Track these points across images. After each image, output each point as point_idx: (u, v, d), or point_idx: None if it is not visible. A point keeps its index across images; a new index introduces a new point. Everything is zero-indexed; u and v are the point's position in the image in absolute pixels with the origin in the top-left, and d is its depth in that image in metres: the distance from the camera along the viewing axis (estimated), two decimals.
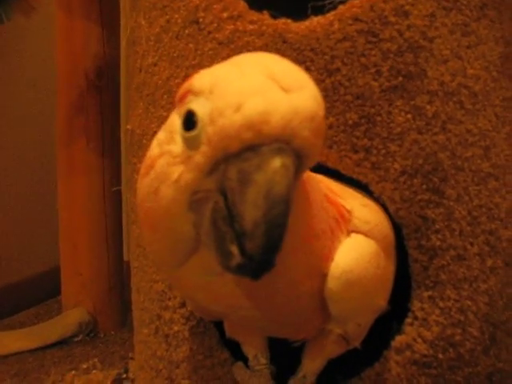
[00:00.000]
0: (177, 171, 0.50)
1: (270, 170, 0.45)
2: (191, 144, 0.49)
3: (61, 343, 1.29)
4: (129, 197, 0.92)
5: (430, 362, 0.74)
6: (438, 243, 0.72)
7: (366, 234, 0.63)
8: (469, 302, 0.75)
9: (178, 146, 0.50)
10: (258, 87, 0.46)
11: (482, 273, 0.76)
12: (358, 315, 0.66)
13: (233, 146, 0.46)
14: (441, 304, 0.74)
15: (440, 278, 0.73)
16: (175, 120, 0.52)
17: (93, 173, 1.28)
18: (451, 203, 0.72)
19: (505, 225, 0.79)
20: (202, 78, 0.50)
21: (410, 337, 0.73)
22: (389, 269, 0.69)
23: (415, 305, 0.73)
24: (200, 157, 0.48)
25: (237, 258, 0.47)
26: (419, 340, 0.74)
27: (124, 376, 1.08)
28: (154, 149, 0.53)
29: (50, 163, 1.46)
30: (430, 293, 0.73)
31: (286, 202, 0.46)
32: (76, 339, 1.30)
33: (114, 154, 1.32)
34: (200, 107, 0.48)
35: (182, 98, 0.52)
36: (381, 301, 0.68)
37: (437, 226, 0.72)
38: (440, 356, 0.75)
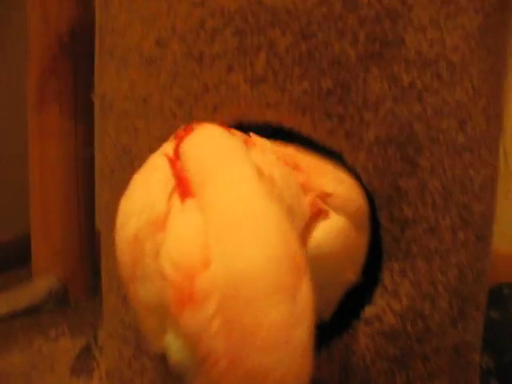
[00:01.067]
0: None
1: None
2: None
3: (30, 310, 1.27)
4: (100, 161, 0.90)
5: (398, 334, 0.74)
6: (411, 215, 0.71)
7: (335, 210, 0.62)
8: (439, 275, 0.75)
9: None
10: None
11: (454, 246, 0.76)
12: (326, 290, 0.65)
13: None
14: (411, 276, 0.73)
15: (411, 250, 0.73)
16: None
17: (65, 138, 1.25)
18: (425, 175, 0.72)
19: (478, 199, 0.79)
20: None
21: (379, 308, 0.73)
22: (360, 242, 0.68)
23: (385, 276, 0.73)
24: None
25: None
26: (388, 311, 0.73)
27: (93, 344, 1.07)
28: None
29: (20, 127, 1.43)
30: (400, 264, 0.73)
31: None
32: (45, 307, 1.29)
33: (87, 118, 1.29)
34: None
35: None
36: (350, 275, 0.67)
37: (410, 198, 0.71)
38: (409, 328, 0.75)
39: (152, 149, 0.76)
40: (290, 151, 0.65)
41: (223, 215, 0.41)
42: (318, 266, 0.59)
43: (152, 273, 0.43)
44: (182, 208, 0.43)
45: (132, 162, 0.78)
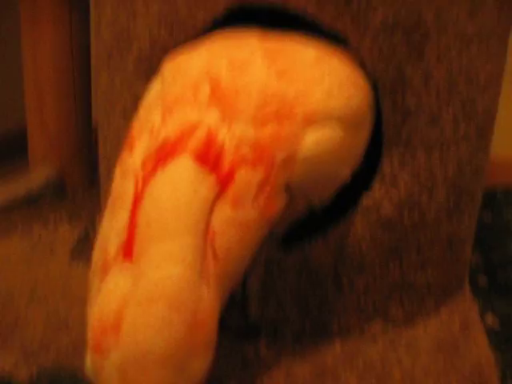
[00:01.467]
0: None
1: None
2: None
3: (28, 200, 1.28)
4: (96, 46, 0.87)
5: (394, 224, 0.75)
6: (414, 104, 0.70)
7: (327, 122, 0.60)
8: (438, 167, 0.75)
9: None
10: None
11: (454, 139, 0.76)
12: (320, 185, 0.65)
13: None
14: (410, 166, 0.73)
15: (412, 140, 0.72)
16: None
17: (59, 24, 1.21)
18: (431, 63, 0.70)
19: (482, 92, 0.78)
20: None
21: (377, 197, 0.74)
22: (356, 141, 0.65)
23: (385, 166, 0.73)
24: None
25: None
26: (386, 201, 0.74)
27: (92, 231, 1.09)
28: None
29: (12, 14, 1.38)
30: (400, 154, 0.72)
31: None
32: (43, 196, 1.30)
33: (83, 4, 1.24)
34: None
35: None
36: (345, 172, 0.65)
37: (413, 86, 0.70)
38: (405, 218, 0.76)
39: (152, 33, 0.74)
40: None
41: (145, 295, 0.46)
42: (309, 170, 0.59)
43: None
44: (121, 268, 0.49)
45: (130, 45, 0.76)
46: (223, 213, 0.51)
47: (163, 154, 0.52)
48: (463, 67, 0.73)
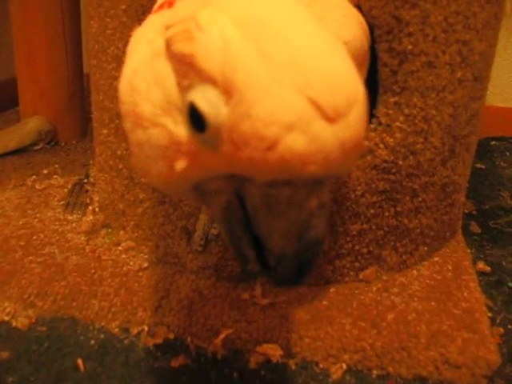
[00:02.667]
0: (181, 164, 0.41)
1: (305, 210, 0.39)
2: (202, 143, 0.39)
3: (20, 151, 1.27)
4: None
5: (389, 168, 0.75)
6: (410, 47, 0.69)
7: None
8: (434, 112, 0.75)
9: (181, 131, 0.40)
10: (297, 116, 0.35)
11: (451, 83, 0.75)
12: None
13: (261, 178, 0.38)
14: (406, 111, 0.73)
15: (408, 84, 0.71)
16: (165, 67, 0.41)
17: None
18: (428, 6, 0.69)
19: (479, 37, 0.77)
20: (211, 57, 0.37)
21: (372, 142, 0.73)
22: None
23: (380, 110, 0.72)
24: (215, 164, 0.39)
25: (254, 265, 0.43)
26: (381, 145, 0.74)
27: (85, 181, 1.08)
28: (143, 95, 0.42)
29: None
30: (396, 99, 0.72)
31: (321, 243, 0.40)
32: (36, 147, 1.29)
33: None
34: (209, 104, 0.37)
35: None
36: None
37: (410, 29, 0.69)
38: (400, 162, 0.76)
39: None
40: None
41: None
42: None
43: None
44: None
45: None
46: None
47: None
48: (461, 11, 0.72)
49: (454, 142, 0.80)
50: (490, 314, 0.86)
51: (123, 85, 0.45)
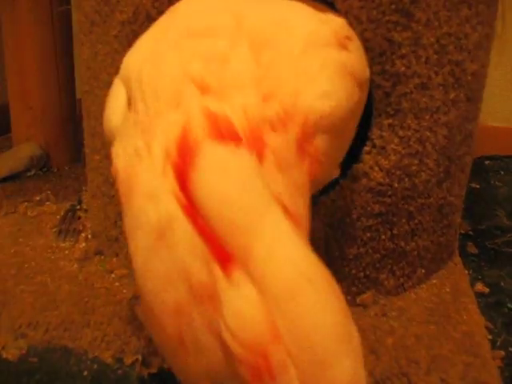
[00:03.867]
0: None
1: None
2: None
3: (12, 178, 1.26)
4: (78, 15, 0.85)
5: (384, 191, 0.75)
6: (403, 69, 0.69)
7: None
8: (428, 133, 0.75)
9: None
10: None
11: (444, 104, 0.75)
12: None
13: None
14: (400, 133, 0.72)
15: (402, 106, 0.71)
16: None
17: None
18: (420, 27, 0.69)
19: (472, 57, 0.77)
20: None
21: (367, 165, 0.73)
22: (352, 124, 0.58)
23: (375, 133, 0.72)
24: None
25: None
26: (376, 168, 0.73)
27: (78, 207, 1.07)
28: None
29: None
30: (390, 121, 0.72)
31: None
32: (28, 174, 1.28)
33: None
34: None
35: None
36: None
37: (403, 51, 0.69)
38: (395, 185, 0.75)
39: (134, 1, 0.71)
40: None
41: (277, 285, 0.40)
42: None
43: (207, 346, 0.41)
44: (230, 282, 0.40)
45: (112, 12, 0.74)
46: (274, 180, 0.45)
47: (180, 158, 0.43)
48: (452, 32, 0.72)
49: (449, 163, 0.79)
50: (490, 337, 0.85)
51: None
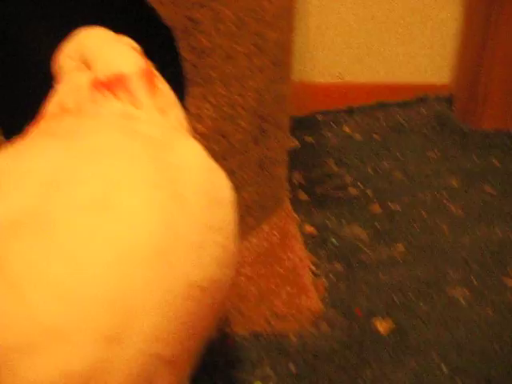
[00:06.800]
0: None
1: None
2: None
3: None
4: None
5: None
6: (206, 43, 0.78)
7: None
8: (238, 98, 0.84)
9: None
10: None
11: (250, 71, 0.84)
12: None
13: None
14: (212, 100, 0.81)
15: (210, 76, 0.80)
16: None
17: None
18: (218, 5, 0.77)
19: (272, 28, 0.86)
20: None
21: None
22: None
23: (189, 102, 0.80)
24: None
25: None
26: (194, 134, 0.82)
27: None
28: None
29: None
30: (201, 90, 0.80)
31: None
32: None
33: None
34: None
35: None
36: None
37: (204, 27, 0.77)
38: (214, 147, 0.84)
39: None
40: None
41: None
42: None
43: None
44: None
45: None
46: None
47: None
48: (251, 7, 0.81)
49: (262, 122, 0.89)
50: (317, 271, 0.98)
51: None
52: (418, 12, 1.62)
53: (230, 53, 0.80)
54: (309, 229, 1.09)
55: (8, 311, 0.33)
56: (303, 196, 1.21)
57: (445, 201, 1.22)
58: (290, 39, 0.96)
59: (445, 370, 0.80)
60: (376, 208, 1.19)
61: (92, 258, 0.35)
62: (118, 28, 0.69)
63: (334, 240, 1.07)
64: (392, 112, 1.67)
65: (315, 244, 1.06)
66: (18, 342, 0.33)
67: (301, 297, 0.84)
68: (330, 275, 0.97)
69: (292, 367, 0.79)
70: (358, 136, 1.53)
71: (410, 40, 1.65)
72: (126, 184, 0.39)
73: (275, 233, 0.98)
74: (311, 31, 1.59)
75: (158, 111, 0.52)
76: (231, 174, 0.88)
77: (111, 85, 0.50)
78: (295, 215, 1.10)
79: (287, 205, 1.09)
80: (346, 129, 1.57)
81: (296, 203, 1.17)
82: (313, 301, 0.85)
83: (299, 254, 0.94)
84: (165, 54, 0.76)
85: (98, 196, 0.38)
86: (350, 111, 1.65)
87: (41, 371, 0.33)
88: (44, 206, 0.37)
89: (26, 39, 0.89)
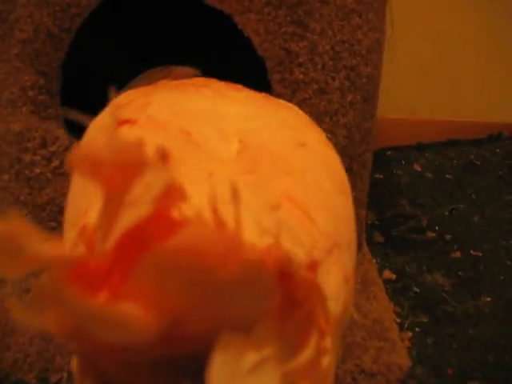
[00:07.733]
0: None
1: None
2: None
3: None
4: None
5: None
6: (301, 77, 0.73)
7: None
8: (329, 135, 0.79)
9: None
10: None
11: (342, 107, 0.79)
12: None
13: None
14: None
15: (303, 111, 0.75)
16: None
17: None
18: (315, 37, 0.73)
19: (365, 61, 0.82)
20: None
21: None
22: None
23: None
24: None
25: None
26: None
27: None
28: None
29: None
30: None
31: None
32: None
33: None
34: None
35: None
36: None
37: (300, 60, 0.72)
38: None
39: (34, 19, 0.71)
40: None
41: None
42: None
43: None
44: None
45: (12, 31, 0.74)
46: None
47: None
48: (346, 39, 0.77)
49: (350, 162, 0.84)
50: (398, 320, 0.91)
51: None
52: (493, 49, 1.56)
53: (323, 87, 0.76)
54: (388, 274, 1.02)
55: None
56: (379, 238, 1.15)
57: None
58: (380, 74, 0.91)
59: None
60: (457, 254, 1.11)
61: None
62: (210, 57, 0.65)
63: (415, 288, 1.00)
64: (464, 150, 1.60)
65: (396, 291, 0.99)
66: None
67: (389, 352, 0.77)
68: (415, 327, 0.90)
69: None
70: (429, 174, 1.46)
71: (484, 76, 1.59)
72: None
73: (357, 280, 0.91)
74: (383, 65, 1.55)
75: None
76: None
77: None
78: (373, 259, 1.04)
79: (366, 249, 1.03)
80: (417, 167, 1.50)
81: (372, 246, 1.11)
82: (401, 357, 0.78)
83: (383, 303, 0.88)
84: (255, 87, 0.72)
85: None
86: (420, 148, 1.59)
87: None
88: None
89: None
